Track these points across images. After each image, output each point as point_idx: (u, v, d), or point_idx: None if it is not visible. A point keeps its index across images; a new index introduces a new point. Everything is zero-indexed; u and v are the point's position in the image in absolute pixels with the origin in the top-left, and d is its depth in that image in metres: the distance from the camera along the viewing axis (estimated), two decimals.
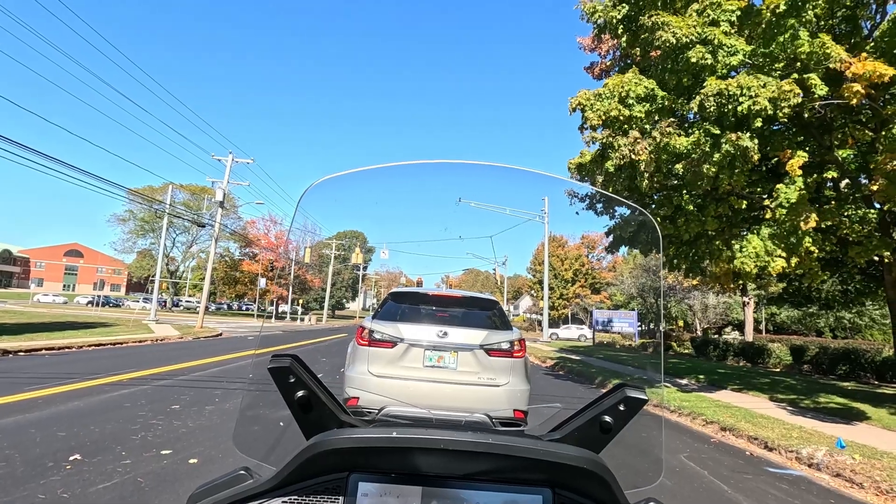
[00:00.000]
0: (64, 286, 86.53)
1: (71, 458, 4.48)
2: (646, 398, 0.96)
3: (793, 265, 9.19)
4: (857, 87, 7.88)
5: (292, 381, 0.94)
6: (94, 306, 45.25)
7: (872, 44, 8.81)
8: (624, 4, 10.91)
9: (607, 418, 0.95)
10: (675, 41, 9.04)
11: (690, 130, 9.70)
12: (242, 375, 10.69)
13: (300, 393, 0.95)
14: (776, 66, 8.80)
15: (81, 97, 54.73)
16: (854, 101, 8.12)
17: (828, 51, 8.02)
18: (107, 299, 58.86)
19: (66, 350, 13.22)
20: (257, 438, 5.01)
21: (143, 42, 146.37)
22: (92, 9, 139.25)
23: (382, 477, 0.84)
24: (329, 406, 0.98)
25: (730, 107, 8.47)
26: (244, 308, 78.30)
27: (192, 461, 4.65)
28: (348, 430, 0.86)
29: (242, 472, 0.87)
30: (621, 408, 0.95)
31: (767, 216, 9.42)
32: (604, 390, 1.13)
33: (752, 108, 8.18)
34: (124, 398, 7.35)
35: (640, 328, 37.13)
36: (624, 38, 11.43)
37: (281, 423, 5.63)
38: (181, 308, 64.51)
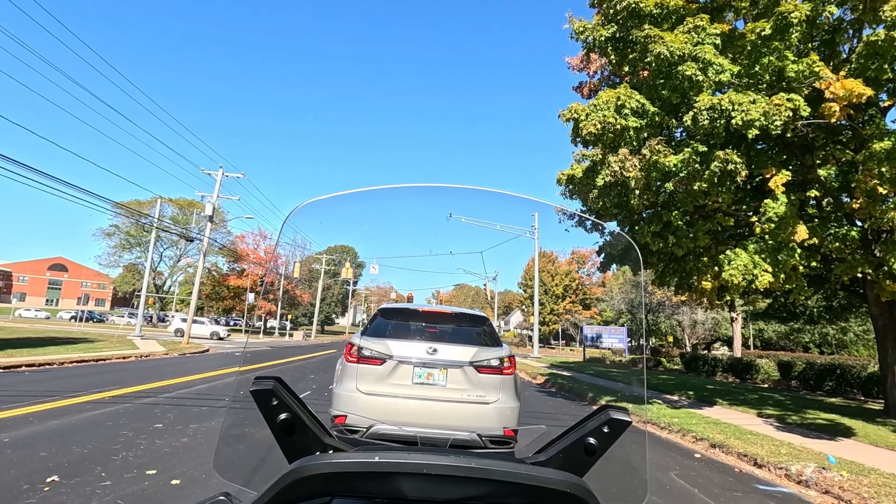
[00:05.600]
0: (47, 301, 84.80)
1: (48, 480, 4.34)
2: (629, 420, 0.96)
3: (780, 280, 9.32)
4: (835, 106, 8.12)
5: (275, 403, 0.93)
6: (77, 321, 44.39)
7: (849, 66, 9.09)
8: (612, 24, 11.17)
9: (591, 440, 0.95)
10: (668, 54, 9.24)
11: (679, 149, 9.87)
12: (228, 392, 10.50)
13: (283, 416, 0.93)
14: (761, 85, 9.05)
15: (68, 108, 54.42)
16: (833, 119, 8.35)
17: (816, 69, 8.26)
18: (91, 314, 57.75)
19: (47, 367, 12.91)
20: (239, 461, 4.90)
21: (135, 58, 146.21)
22: (80, 21, 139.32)
23: (366, 502, 0.83)
24: (313, 429, 0.96)
25: (722, 121, 8.63)
26: (232, 323, 77.21)
27: (174, 482, 4.54)
28: (331, 455, 0.85)
29: (222, 497, 0.85)
30: (605, 430, 0.95)
31: (757, 231, 9.55)
32: (595, 407, 1.13)
33: (744, 119, 8.34)
34: (106, 416, 7.17)
35: (629, 344, 37.21)
36: (613, 57, 11.68)
37: (263, 446, 5.51)
38: (167, 323, 63.48)
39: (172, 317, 51.13)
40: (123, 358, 16.60)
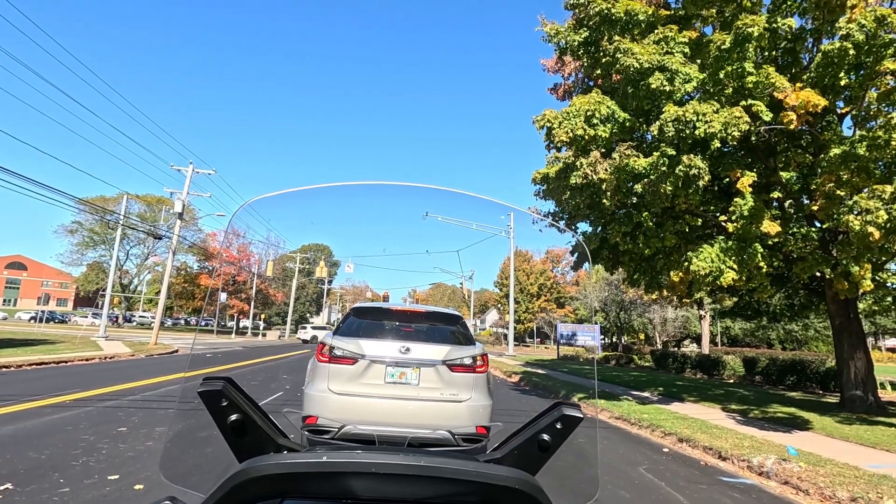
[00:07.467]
0: (4, 300, 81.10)
1: (2, 488, 4.16)
2: (581, 416, 0.98)
3: (743, 278, 9.64)
4: (792, 115, 8.45)
5: (225, 404, 0.91)
6: (37, 322, 42.61)
7: (809, 75, 9.46)
8: (584, 29, 11.34)
9: (545, 437, 0.96)
10: (638, 66, 9.44)
11: (650, 152, 10.11)
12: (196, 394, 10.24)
13: (234, 417, 0.91)
14: (726, 91, 9.34)
15: (26, 100, 51.94)
16: (792, 126, 8.70)
17: (772, 80, 8.57)
18: (52, 315, 55.44)
19: (4, 369, 12.35)
20: (189, 465, 4.77)
21: (135, 58, 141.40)
22: (80, 22, 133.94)
23: (316, 502, 0.82)
24: (265, 429, 0.95)
25: (687, 131, 8.90)
26: (203, 323, 75.36)
27: (137, 487, 4.40)
28: (279, 455, 0.84)
29: (167, 501, 0.83)
30: (558, 426, 0.97)
31: (730, 228, 9.84)
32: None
33: (707, 131, 8.64)
34: (66, 421, 6.90)
35: (603, 341, 37.91)
36: (585, 61, 11.85)
37: (217, 449, 5.40)
38: (134, 324, 61.44)
39: (305, 327, 46.39)
40: (86, 360, 16.00)
